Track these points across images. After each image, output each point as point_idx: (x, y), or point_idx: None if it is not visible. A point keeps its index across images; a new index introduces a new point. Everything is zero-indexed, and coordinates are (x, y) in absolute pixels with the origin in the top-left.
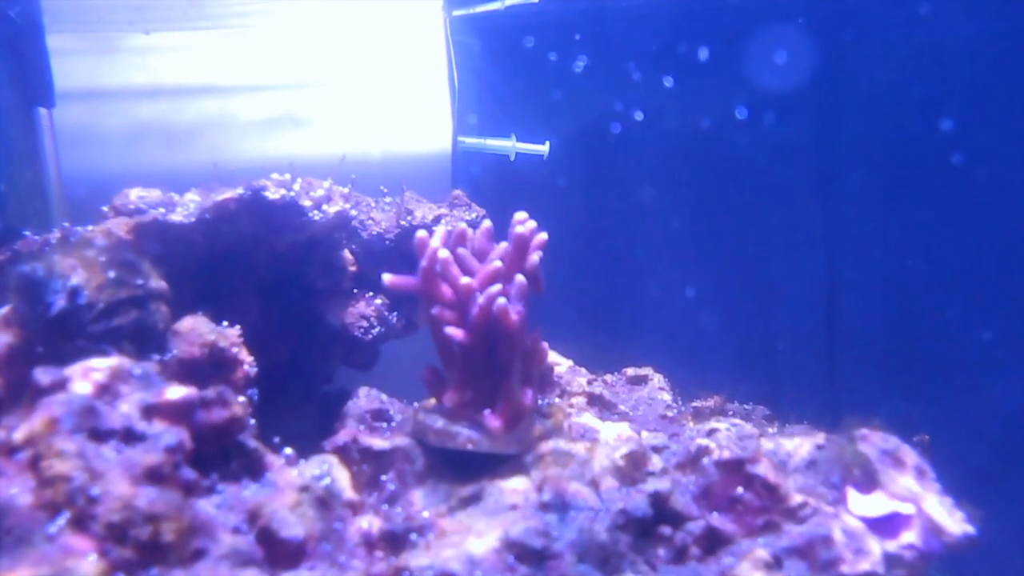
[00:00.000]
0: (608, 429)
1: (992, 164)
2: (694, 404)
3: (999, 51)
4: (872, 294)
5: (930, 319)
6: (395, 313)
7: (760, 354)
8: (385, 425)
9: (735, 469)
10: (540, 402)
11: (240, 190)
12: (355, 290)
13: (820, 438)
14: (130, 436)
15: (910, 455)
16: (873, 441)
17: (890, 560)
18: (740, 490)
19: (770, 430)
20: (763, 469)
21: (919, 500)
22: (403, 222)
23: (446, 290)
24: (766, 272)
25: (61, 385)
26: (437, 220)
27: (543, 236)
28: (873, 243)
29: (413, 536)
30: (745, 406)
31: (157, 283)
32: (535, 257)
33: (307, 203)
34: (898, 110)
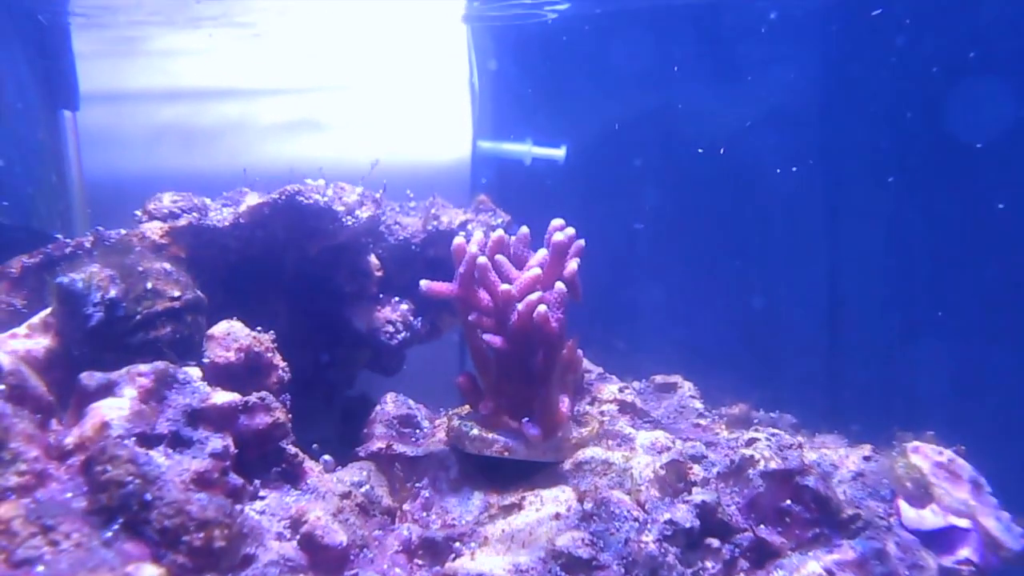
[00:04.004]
0: (644, 437)
1: (995, 168)
2: (722, 411)
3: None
4: (874, 300)
5: (931, 325)
6: (420, 318)
7: (762, 360)
8: (417, 432)
9: (784, 480)
10: (575, 410)
11: (275, 195)
12: (381, 295)
13: (867, 449)
14: (178, 441)
15: (965, 468)
16: (925, 453)
17: (946, 575)
18: (788, 502)
19: (800, 439)
20: (813, 480)
21: (975, 514)
22: (429, 227)
23: (483, 296)
24: (770, 278)
25: (108, 389)
26: (463, 225)
27: (580, 243)
28: (875, 249)
29: (456, 544)
30: (771, 414)
31: (194, 294)
32: (573, 264)
33: (340, 208)
34: (901, 116)
